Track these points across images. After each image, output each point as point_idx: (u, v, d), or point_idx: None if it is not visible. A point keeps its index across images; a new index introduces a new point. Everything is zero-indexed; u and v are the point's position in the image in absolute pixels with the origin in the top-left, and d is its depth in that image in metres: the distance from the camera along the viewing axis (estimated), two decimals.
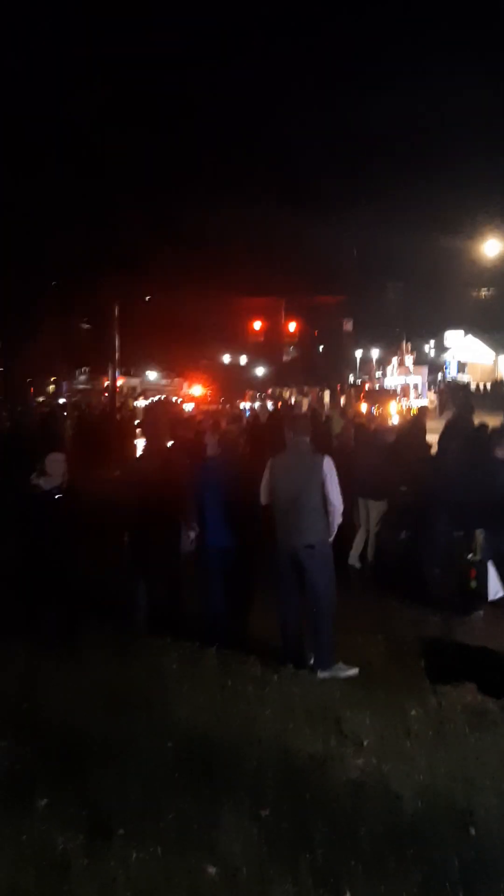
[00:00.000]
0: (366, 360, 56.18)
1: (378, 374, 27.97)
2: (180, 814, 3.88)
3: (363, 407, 21.04)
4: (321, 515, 6.07)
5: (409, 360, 27.85)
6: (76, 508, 6.60)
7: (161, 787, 4.13)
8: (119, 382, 28.55)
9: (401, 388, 26.05)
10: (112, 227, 26.10)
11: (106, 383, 30.34)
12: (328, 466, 6.09)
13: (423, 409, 21.63)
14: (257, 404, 38.33)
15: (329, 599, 6.09)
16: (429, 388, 29.05)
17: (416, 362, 31.25)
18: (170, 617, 6.84)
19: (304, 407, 26.64)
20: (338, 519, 6.15)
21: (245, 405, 36.06)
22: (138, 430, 18.46)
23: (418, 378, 26.93)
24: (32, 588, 6.47)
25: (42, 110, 23.89)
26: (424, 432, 12.10)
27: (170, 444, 10.28)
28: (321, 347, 64.24)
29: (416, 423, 12.91)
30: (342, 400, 29.94)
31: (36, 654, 5.93)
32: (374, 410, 21.14)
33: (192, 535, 6.66)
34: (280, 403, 35.24)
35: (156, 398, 39.67)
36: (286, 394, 38.80)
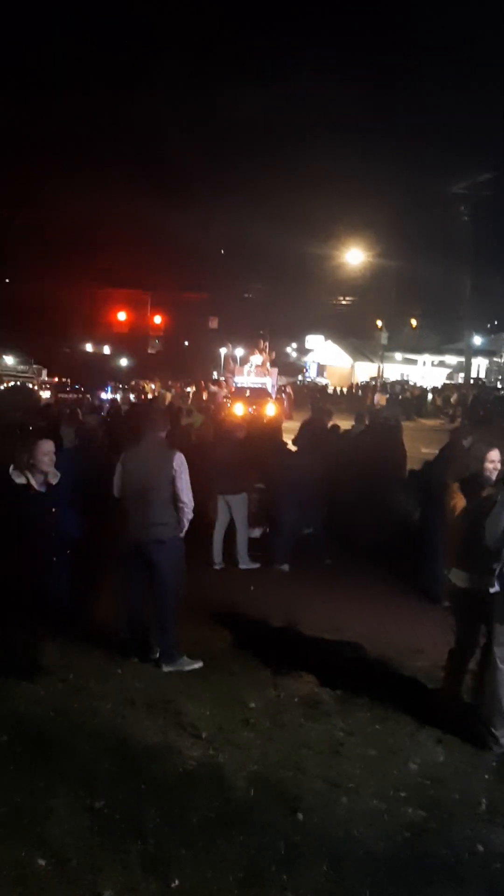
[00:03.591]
0: (228, 357, 56.83)
1: (246, 372, 28.17)
2: (12, 807, 3.83)
3: (238, 407, 20.87)
4: (171, 511, 6.11)
5: (259, 359, 28.07)
6: None
7: None
8: None
9: (251, 390, 26.24)
10: None
11: None
12: (178, 462, 6.11)
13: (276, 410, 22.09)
14: (119, 395, 37.88)
15: (175, 594, 6.13)
16: (279, 391, 29.51)
17: (275, 364, 31.64)
18: (12, 608, 6.68)
19: (167, 400, 26.55)
20: (188, 515, 6.21)
21: (105, 396, 35.56)
22: None
23: (268, 380, 27.22)
24: None
25: None
26: (280, 432, 12.44)
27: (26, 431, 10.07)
28: (186, 343, 64.32)
29: (272, 423, 13.23)
30: (205, 395, 30.08)
31: None
32: (252, 410, 21.11)
33: None
34: (143, 396, 34.97)
35: (9, 384, 38.45)
36: (148, 386, 38.59)
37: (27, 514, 5.57)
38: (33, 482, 5.53)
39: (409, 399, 35.95)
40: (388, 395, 35.63)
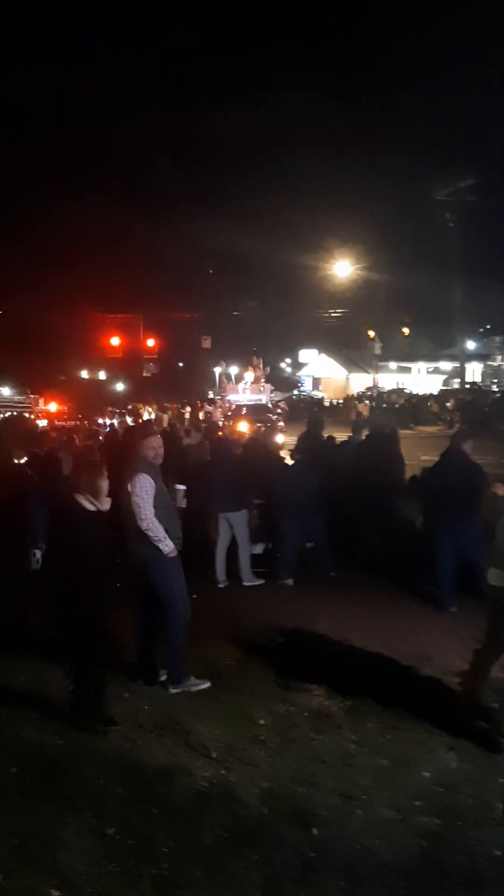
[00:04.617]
0: (223, 376, 56.99)
1: (241, 389, 28.25)
2: (22, 837, 3.79)
3: (242, 425, 20.90)
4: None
5: (250, 376, 28.32)
6: None
7: (2, 812, 4.02)
8: None
9: (248, 407, 26.42)
10: None
11: None
12: (133, 483, 6.01)
13: (272, 426, 22.15)
14: (116, 420, 37.88)
15: (175, 613, 6.05)
16: (273, 406, 29.69)
17: (269, 380, 31.87)
18: (18, 636, 6.66)
19: (165, 423, 26.57)
20: (152, 537, 5.98)
21: (104, 421, 35.58)
22: None
23: (264, 396, 27.45)
24: None
25: None
26: (277, 447, 12.44)
27: (22, 461, 10.05)
28: (180, 364, 64.49)
29: (267, 438, 13.23)
30: (201, 415, 30.14)
31: None
32: (259, 427, 21.19)
33: (38, 553, 6.51)
34: (139, 419, 34.95)
35: (6, 414, 38.52)
36: (142, 409, 38.63)
37: (101, 539, 5.38)
38: (100, 507, 5.40)
39: (404, 407, 35.93)
40: (371, 405, 35.73)
